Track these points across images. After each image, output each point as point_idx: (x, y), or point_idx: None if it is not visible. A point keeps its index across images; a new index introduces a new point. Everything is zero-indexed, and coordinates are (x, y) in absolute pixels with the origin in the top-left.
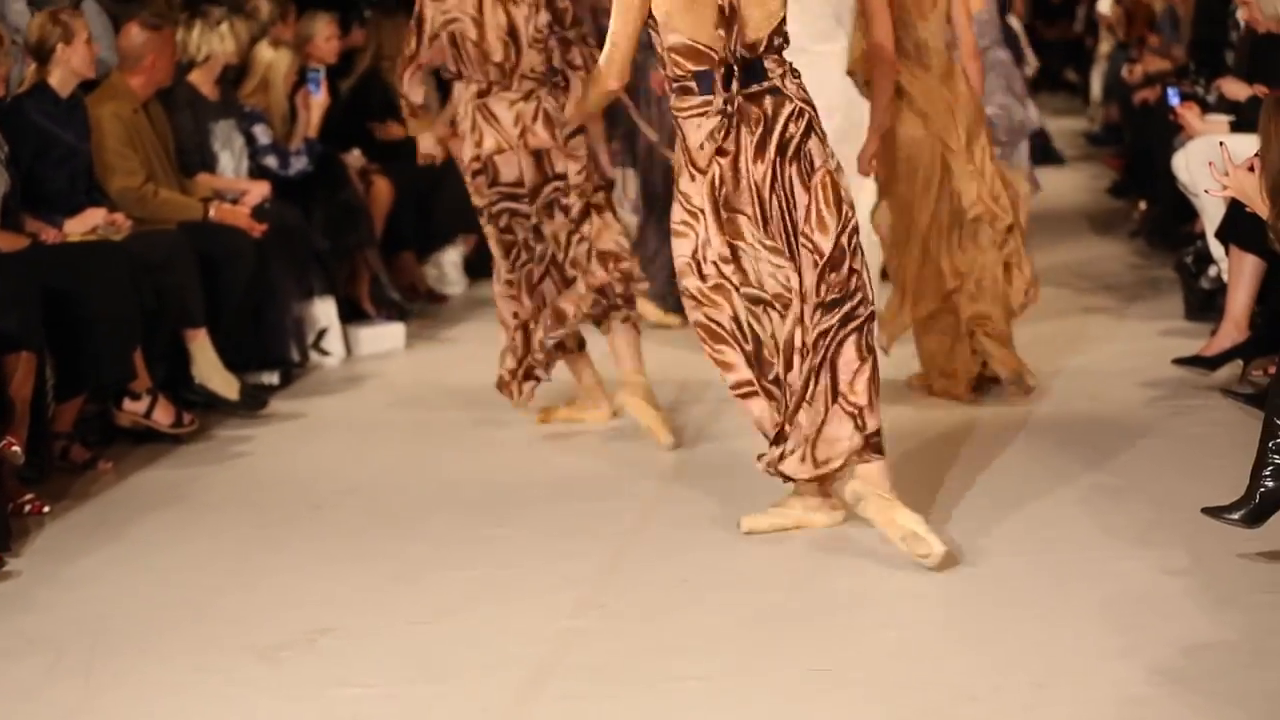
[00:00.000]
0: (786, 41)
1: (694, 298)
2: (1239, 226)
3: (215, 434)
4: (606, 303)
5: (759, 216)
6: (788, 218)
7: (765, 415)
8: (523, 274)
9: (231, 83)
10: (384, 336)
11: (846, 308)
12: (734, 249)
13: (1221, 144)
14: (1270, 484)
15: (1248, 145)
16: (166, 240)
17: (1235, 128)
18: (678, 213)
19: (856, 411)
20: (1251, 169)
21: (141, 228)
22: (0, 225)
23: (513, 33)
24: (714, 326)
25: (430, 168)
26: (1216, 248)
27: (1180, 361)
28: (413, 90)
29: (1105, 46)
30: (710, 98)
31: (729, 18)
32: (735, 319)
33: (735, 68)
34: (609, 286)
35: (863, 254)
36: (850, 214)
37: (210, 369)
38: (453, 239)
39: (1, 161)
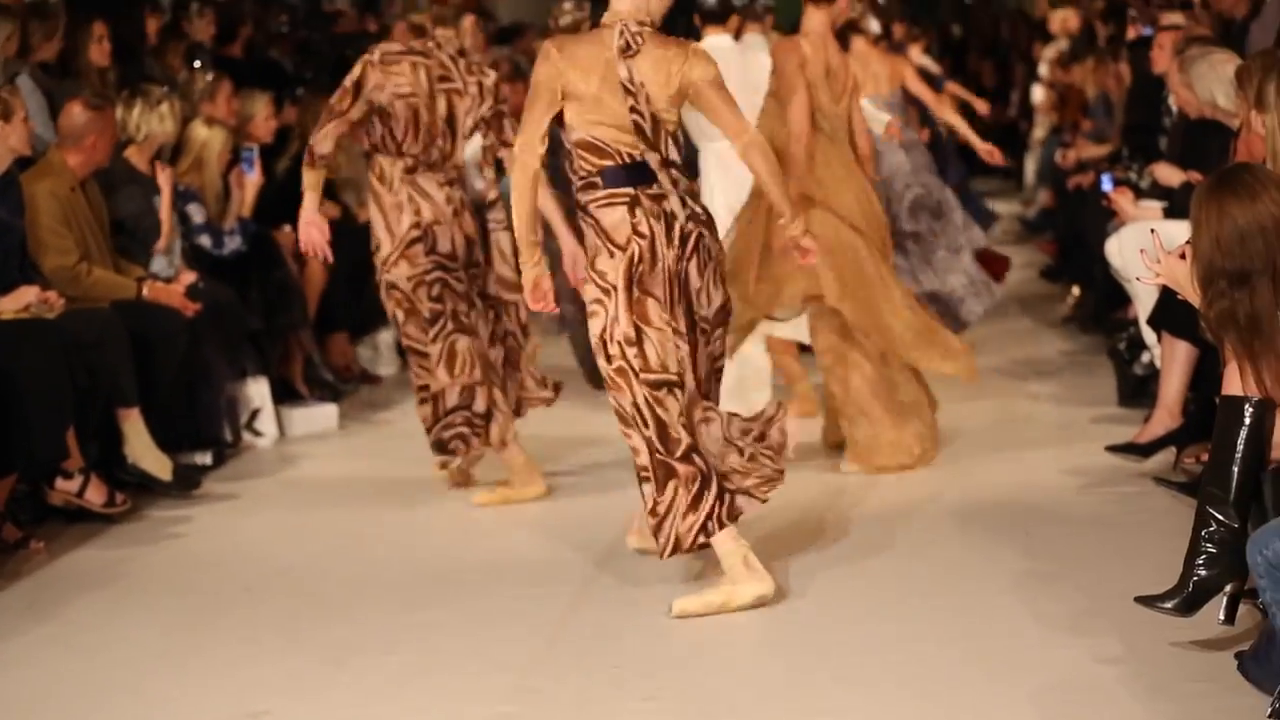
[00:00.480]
0: (680, 148)
1: (604, 378)
2: (1171, 314)
3: (148, 514)
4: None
5: (668, 299)
6: (686, 302)
7: (670, 494)
8: (445, 344)
9: (165, 160)
10: (317, 417)
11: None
12: (639, 331)
13: (1153, 231)
14: (1203, 572)
15: (1180, 231)
16: (100, 319)
17: (1168, 214)
18: (591, 292)
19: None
20: (1183, 256)
21: (74, 306)
22: None
23: (451, 121)
24: (620, 409)
25: (365, 246)
26: (1149, 334)
27: (1113, 448)
28: (324, 142)
29: (1039, 131)
30: (615, 190)
31: (651, 125)
32: (635, 404)
33: (636, 166)
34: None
35: None
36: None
37: (143, 449)
38: (386, 320)
39: None
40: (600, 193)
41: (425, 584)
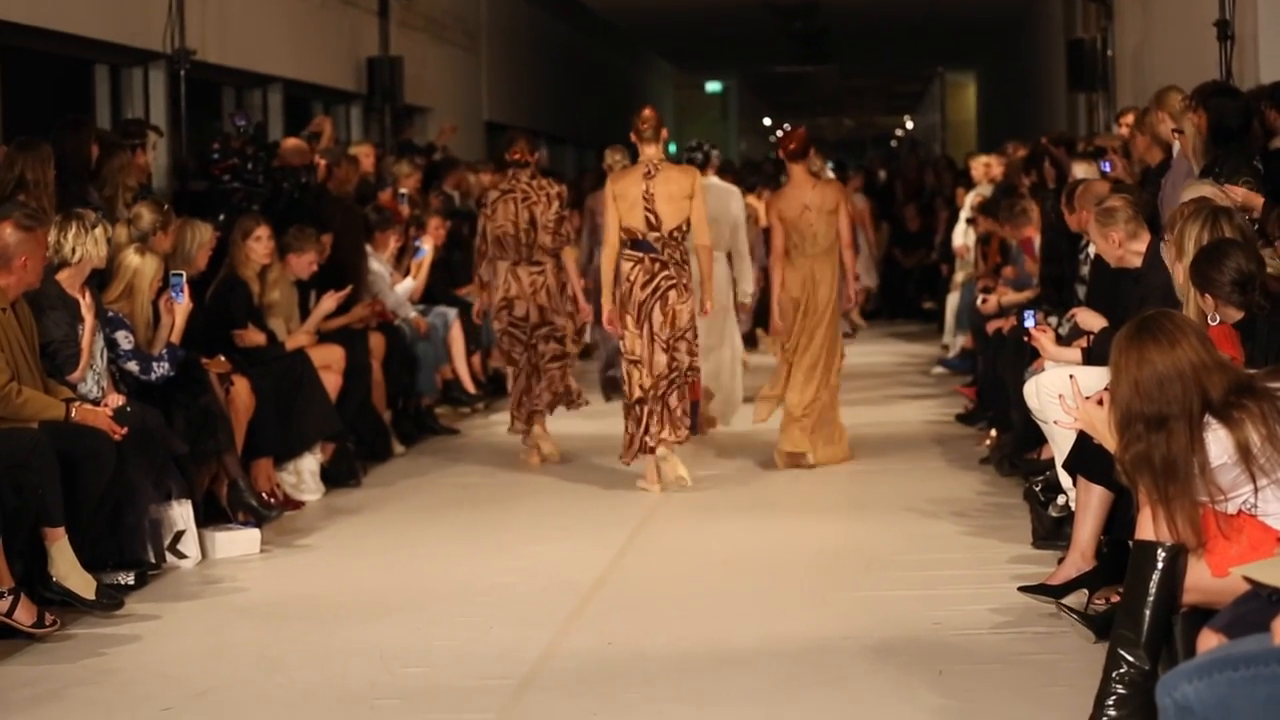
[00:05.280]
0: (685, 234)
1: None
2: (1086, 458)
3: (71, 632)
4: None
5: (636, 317)
6: (649, 324)
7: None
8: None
9: (96, 286)
10: (240, 541)
11: (674, 375)
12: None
13: (1071, 377)
14: (1113, 713)
15: (1098, 377)
16: (28, 439)
17: (1087, 359)
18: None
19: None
20: (1100, 402)
21: (3, 425)
22: None
23: (532, 222)
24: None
25: (291, 374)
26: (1065, 477)
27: (1026, 589)
28: (486, 272)
29: (960, 275)
30: (631, 253)
31: (654, 217)
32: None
33: (649, 241)
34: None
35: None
36: (682, 329)
37: (68, 568)
38: (311, 446)
39: None
40: (629, 252)
41: (345, 708)
